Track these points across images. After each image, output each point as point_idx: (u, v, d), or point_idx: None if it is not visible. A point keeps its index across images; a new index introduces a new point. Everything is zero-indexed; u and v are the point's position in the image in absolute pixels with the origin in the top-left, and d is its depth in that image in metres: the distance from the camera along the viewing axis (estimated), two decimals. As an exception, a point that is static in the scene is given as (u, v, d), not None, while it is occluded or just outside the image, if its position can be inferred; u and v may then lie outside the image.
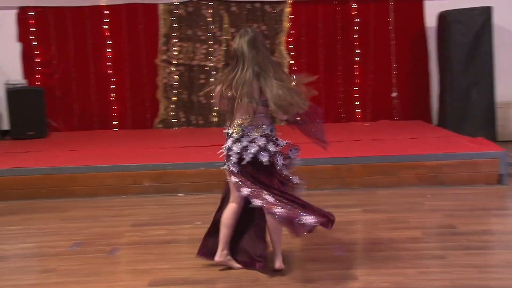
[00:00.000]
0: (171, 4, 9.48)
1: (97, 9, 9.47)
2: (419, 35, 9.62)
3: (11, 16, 9.34)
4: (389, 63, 9.78)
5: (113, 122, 9.70)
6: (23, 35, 9.43)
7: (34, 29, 9.41)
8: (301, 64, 9.72)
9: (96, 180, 6.26)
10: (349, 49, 9.75)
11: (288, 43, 9.68)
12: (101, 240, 4.70)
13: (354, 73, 9.80)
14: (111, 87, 9.64)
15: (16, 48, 9.44)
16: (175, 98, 9.64)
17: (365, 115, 9.85)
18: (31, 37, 9.42)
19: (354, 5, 9.65)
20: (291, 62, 9.69)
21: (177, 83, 9.60)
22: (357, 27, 9.70)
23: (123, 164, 6.35)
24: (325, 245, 4.39)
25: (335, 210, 5.30)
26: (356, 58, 9.76)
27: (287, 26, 9.65)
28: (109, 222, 5.26)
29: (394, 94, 9.79)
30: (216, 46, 9.60)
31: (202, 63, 9.58)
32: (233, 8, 9.60)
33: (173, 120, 9.65)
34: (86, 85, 9.60)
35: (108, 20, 9.51)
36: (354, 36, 9.71)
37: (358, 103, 9.83)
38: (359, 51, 9.74)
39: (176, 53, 9.58)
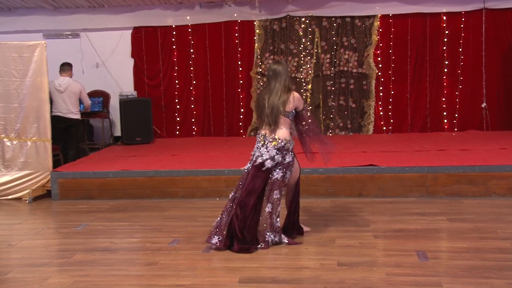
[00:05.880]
0: (266, 20, 9.61)
1: (200, 26, 9.80)
2: (513, 44, 9.11)
3: (126, 35, 9.94)
4: (479, 74, 9.31)
5: (210, 130, 9.97)
6: (135, 52, 9.97)
7: (144, 46, 9.91)
8: (389, 76, 9.50)
9: (193, 183, 6.42)
10: (438, 61, 9.40)
11: (376, 55, 9.48)
12: (196, 238, 4.80)
13: (442, 84, 9.44)
14: (209, 97, 9.91)
15: (129, 64, 10.01)
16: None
17: (452, 125, 9.43)
18: (141, 53, 9.94)
19: (445, 17, 9.30)
20: (379, 74, 9.48)
21: (269, 94, 9.68)
22: (446, 39, 9.33)
23: (218, 169, 6.47)
24: (409, 251, 4.21)
25: (420, 218, 5.16)
26: (444, 69, 9.39)
27: (376, 39, 9.45)
28: (204, 222, 5.36)
29: (483, 105, 9.30)
30: (307, 59, 9.58)
31: (293, 75, 9.61)
32: (324, 23, 9.56)
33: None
34: (187, 95, 9.95)
35: (208, 37, 9.81)
36: (443, 47, 9.34)
37: (445, 113, 9.43)
38: (447, 62, 9.36)
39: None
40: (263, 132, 4.56)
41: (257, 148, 4.54)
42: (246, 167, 4.56)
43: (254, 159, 4.52)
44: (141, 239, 4.91)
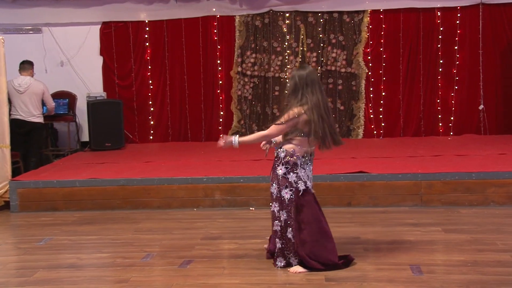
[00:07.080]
0: (247, 15, 9.64)
1: (176, 22, 9.79)
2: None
3: (95, 31, 9.87)
4: (476, 74, 9.45)
5: (187, 134, 9.95)
6: (104, 49, 9.91)
7: (114, 43, 9.87)
8: (379, 75, 9.59)
9: (169, 192, 6.41)
10: (432, 59, 9.52)
11: (366, 54, 9.56)
12: (172, 253, 4.79)
13: (437, 85, 9.55)
14: (186, 99, 9.90)
15: (98, 62, 9.95)
16: (249, 110, 9.78)
17: (448, 128, 9.55)
18: (111, 51, 9.88)
19: (439, 13, 9.43)
20: (369, 73, 9.57)
21: (251, 95, 9.73)
22: (441, 36, 9.46)
23: (195, 177, 6.47)
24: (402, 265, 4.25)
25: (414, 229, 5.20)
26: (439, 69, 9.50)
27: (366, 36, 9.54)
28: (180, 234, 5.36)
29: (481, 107, 9.43)
30: (291, 58, 9.63)
31: (277, 74, 9.65)
32: (310, 19, 9.62)
33: (246, 133, 9.77)
34: (161, 97, 9.92)
35: (184, 33, 9.81)
36: (438, 45, 9.47)
37: (440, 116, 9.54)
38: (442, 61, 9.48)
39: (251, 64, 9.71)
40: (309, 150, 4.39)
41: (306, 172, 4.32)
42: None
43: (307, 186, 4.25)
44: (111, 254, 4.87)
